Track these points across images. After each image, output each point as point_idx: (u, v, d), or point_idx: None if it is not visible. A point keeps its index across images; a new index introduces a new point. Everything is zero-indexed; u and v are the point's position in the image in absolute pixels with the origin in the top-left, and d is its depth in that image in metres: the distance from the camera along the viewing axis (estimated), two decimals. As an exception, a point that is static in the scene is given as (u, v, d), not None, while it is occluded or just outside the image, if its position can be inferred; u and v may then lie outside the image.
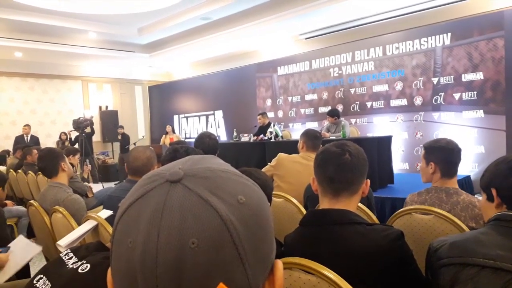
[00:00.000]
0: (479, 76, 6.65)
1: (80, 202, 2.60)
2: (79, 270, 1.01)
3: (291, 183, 3.04)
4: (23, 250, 2.09)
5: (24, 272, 2.45)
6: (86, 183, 4.69)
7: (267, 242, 0.43)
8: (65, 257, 1.09)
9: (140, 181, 0.44)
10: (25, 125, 9.95)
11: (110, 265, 0.44)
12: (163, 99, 13.37)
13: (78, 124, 9.00)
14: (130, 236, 0.40)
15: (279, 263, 0.45)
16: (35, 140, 9.84)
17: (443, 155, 2.05)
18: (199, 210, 0.39)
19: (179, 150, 2.13)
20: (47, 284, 1.02)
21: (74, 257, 1.08)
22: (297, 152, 3.35)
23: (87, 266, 1.02)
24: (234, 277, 0.38)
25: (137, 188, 0.43)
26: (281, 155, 3.30)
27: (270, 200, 1.77)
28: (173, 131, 10.55)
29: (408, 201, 2.14)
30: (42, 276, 1.05)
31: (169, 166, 0.45)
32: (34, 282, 1.04)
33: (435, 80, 7.19)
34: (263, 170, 3.21)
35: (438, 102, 7.15)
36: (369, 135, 7.79)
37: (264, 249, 0.43)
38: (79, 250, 1.12)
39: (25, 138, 9.79)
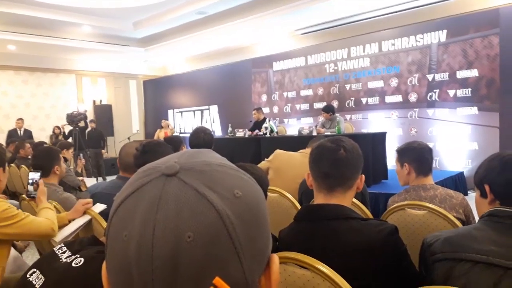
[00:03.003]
0: (474, 73, 6.68)
1: (72, 200, 2.58)
2: (73, 264, 1.00)
3: (285, 177, 3.04)
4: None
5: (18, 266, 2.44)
6: (80, 177, 4.67)
7: (263, 236, 0.43)
8: (59, 251, 1.08)
9: (135, 175, 0.44)
10: (18, 119, 9.88)
11: (104, 259, 0.43)
12: (158, 93, 13.32)
13: (72, 118, 8.93)
14: (125, 229, 0.39)
15: (275, 258, 0.45)
16: (28, 134, 9.79)
17: (415, 154, 2.15)
18: (195, 204, 0.38)
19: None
20: (41, 278, 1.01)
21: (67, 251, 1.08)
22: (292, 149, 3.37)
23: (81, 260, 1.01)
24: (230, 271, 0.38)
25: (132, 182, 0.43)
26: (278, 150, 3.34)
27: (265, 195, 1.77)
28: (169, 126, 10.50)
29: (390, 203, 2.17)
30: (35, 270, 1.04)
31: (164, 160, 0.44)
32: (27, 276, 1.03)
33: (430, 76, 7.22)
34: (259, 165, 3.22)
35: (433, 98, 7.18)
36: (364, 131, 7.82)
37: (260, 244, 0.43)
38: (73, 244, 1.12)
39: (18, 132, 9.73)
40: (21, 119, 9.92)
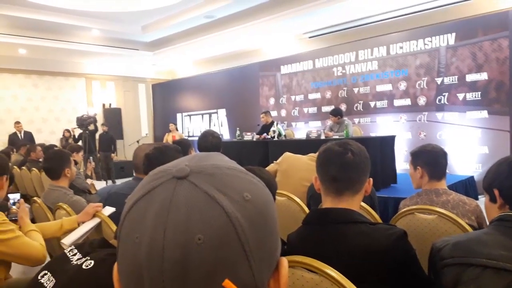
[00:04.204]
0: (484, 76, 6.62)
1: (82, 204, 2.61)
2: (83, 266, 1.01)
3: (293, 180, 3.05)
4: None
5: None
6: (89, 179, 4.71)
7: (272, 239, 0.44)
8: (70, 254, 1.09)
9: (147, 178, 0.45)
10: (16, 123, 9.83)
11: (116, 261, 0.44)
12: (166, 97, 13.39)
13: (82, 122, 9.03)
14: (136, 232, 0.40)
15: (284, 261, 0.46)
16: (28, 136, 9.80)
17: (428, 158, 2.11)
18: (205, 206, 0.39)
19: (150, 156, 2.15)
20: (52, 280, 1.02)
21: (78, 253, 1.09)
22: (300, 152, 3.38)
23: (91, 263, 1.02)
24: (240, 273, 0.39)
25: (143, 184, 0.43)
26: (287, 153, 3.34)
27: (274, 199, 1.77)
28: (177, 129, 10.56)
29: (401, 207, 2.16)
30: (46, 272, 1.05)
31: (175, 163, 0.45)
32: (39, 278, 1.04)
33: (439, 80, 7.17)
34: (267, 168, 3.24)
35: (442, 102, 7.13)
36: (372, 134, 7.78)
37: (270, 246, 0.43)
38: (83, 246, 1.13)
39: (19, 135, 9.72)
40: (18, 122, 9.87)
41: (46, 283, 1.02)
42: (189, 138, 11.19)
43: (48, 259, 1.82)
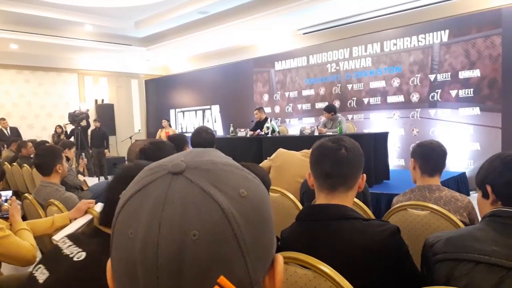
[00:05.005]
0: (476, 73, 6.67)
1: (73, 200, 2.60)
2: (75, 259, 1.03)
3: (286, 176, 3.05)
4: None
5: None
6: (80, 175, 4.68)
7: (268, 236, 0.43)
8: (63, 246, 1.11)
9: (142, 173, 0.44)
10: (1, 119, 9.57)
11: (107, 252, 0.43)
12: (159, 93, 13.32)
13: (74, 117, 8.93)
14: (131, 227, 0.39)
15: (280, 258, 0.45)
16: (15, 132, 9.63)
17: (422, 150, 2.16)
18: (201, 202, 0.39)
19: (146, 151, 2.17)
20: (45, 273, 1.04)
21: (70, 245, 1.10)
22: (294, 149, 3.39)
23: (82, 254, 1.04)
24: (235, 270, 0.38)
25: (138, 180, 0.43)
26: (281, 149, 3.35)
27: (267, 195, 1.77)
28: (170, 125, 10.51)
29: (395, 202, 2.17)
30: (40, 265, 1.07)
31: (171, 158, 0.45)
32: (33, 272, 1.06)
33: (432, 77, 7.21)
34: (261, 164, 3.24)
35: (435, 99, 7.17)
36: (366, 131, 7.81)
37: (265, 243, 0.43)
38: (75, 237, 1.14)
39: (5, 131, 9.50)
40: (3, 118, 9.63)
41: (39, 276, 1.03)
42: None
43: (38, 257, 1.81)
